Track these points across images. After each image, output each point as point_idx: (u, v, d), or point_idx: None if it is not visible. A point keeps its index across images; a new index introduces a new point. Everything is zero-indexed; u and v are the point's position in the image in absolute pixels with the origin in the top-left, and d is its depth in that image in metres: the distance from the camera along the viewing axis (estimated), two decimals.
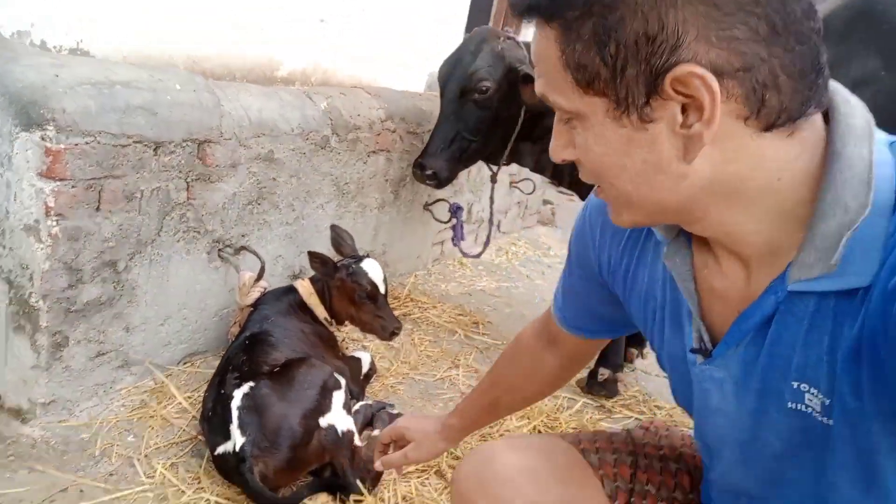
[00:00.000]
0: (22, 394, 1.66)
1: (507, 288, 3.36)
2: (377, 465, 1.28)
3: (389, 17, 2.98)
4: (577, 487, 0.97)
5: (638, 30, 0.59)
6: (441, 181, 2.48)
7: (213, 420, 1.61)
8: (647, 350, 2.71)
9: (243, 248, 2.08)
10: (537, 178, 3.34)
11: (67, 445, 1.64)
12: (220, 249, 2.04)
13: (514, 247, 3.98)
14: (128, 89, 1.64)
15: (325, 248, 2.52)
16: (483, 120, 2.39)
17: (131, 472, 1.62)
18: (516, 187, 3.80)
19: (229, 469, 1.55)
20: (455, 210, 2.98)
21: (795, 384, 0.68)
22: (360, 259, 2.09)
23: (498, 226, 3.93)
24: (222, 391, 1.64)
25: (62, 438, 1.66)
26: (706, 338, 0.77)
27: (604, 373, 2.38)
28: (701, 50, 0.58)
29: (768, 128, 0.61)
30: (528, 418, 2.10)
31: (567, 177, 2.56)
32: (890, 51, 1.68)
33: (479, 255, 3.05)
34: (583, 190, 2.47)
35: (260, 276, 2.05)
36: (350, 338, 2.44)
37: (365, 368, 2.16)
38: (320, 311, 2.07)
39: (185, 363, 2.07)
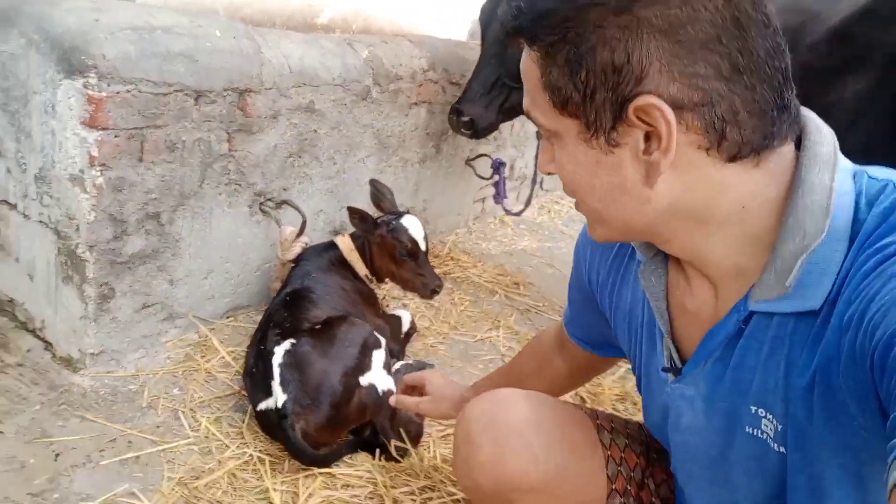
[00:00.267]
0: (72, 343, 1.68)
1: (549, 248, 3.27)
2: (392, 400, 1.39)
3: None
4: (579, 457, 0.98)
5: (606, 60, 0.62)
6: (478, 130, 2.33)
7: (255, 376, 1.61)
8: None
9: (285, 201, 2.04)
10: None
11: (116, 396, 1.66)
12: (261, 203, 2.00)
13: (556, 205, 3.87)
14: (168, 35, 1.58)
15: (366, 204, 2.46)
16: None
17: (177, 425, 1.63)
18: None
19: (271, 425, 1.55)
20: (498, 166, 2.87)
21: (754, 408, 0.71)
22: (401, 215, 2.04)
23: (541, 183, 3.81)
24: (263, 347, 1.63)
25: (111, 389, 1.67)
26: (675, 356, 0.81)
27: None
28: (663, 83, 0.62)
29: (731, 159, 0.64)
30: None
31: None
32: None
33: (520, 213, 2.96)
34: None
35: (301, 231, 2.02)
36: (390, 296, 2.41)
37: (405, 327, 2.13)
38: (360, 268, 2.03)
39: (227, 317, 2.06)
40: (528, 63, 0.70)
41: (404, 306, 2.35)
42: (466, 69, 2.71)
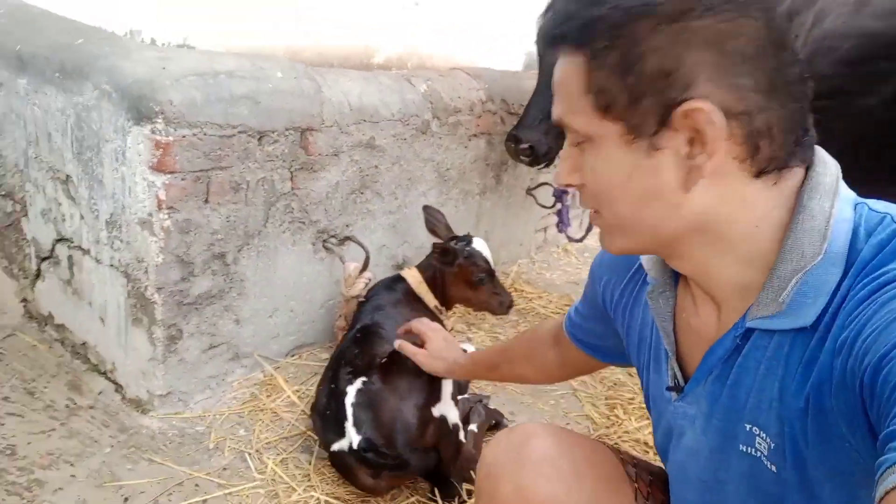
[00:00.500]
0: (141, 385, 1.69)
1: None
2: (396, 343, 1.53)
3: None
4: (610, 489, 0.97)
5: (656, 66, 0.65)
6: (538, 157, 2.25)
7: (328, 416, 1.58)
8: None
9: (348, 238, 2.03)
10: None
11: (183, 438, 1.65)
12: (324, 240, 2.00)
13: None
14: (231, 79, 1.61)
15: (429, 238, 2.44)
16: None
17: (243, 467, 1.60)
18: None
19: (344, 466, 1.51)
20: (560, 194, 2.79)
21: (748, 426, 0.73)
22: (465, 239, 2.04)
23: None
24: (335, 386, 1.60)
25: (178, 431, 1.67)
26: (679, 375, 0.83)
27: None
28: (710, 90, 0.65)
29: (759, 174, 0.68)
30: None
31: None
32: None
33: (582, 239, 2.86)
34: None
35: (365, 267, 1.99)
36: (456, 329, 2.35)
37: None
38: (430, 300, 2.00)
39: (292, 355, 2.05)
40: (568, 68, 0.71)
41: (469, 340, 2.28)
42: (524, 99, 2.67)
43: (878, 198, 0.71)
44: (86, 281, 1.75)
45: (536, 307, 2.66)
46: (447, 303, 2.05)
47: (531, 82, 2.74)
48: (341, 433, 1.50)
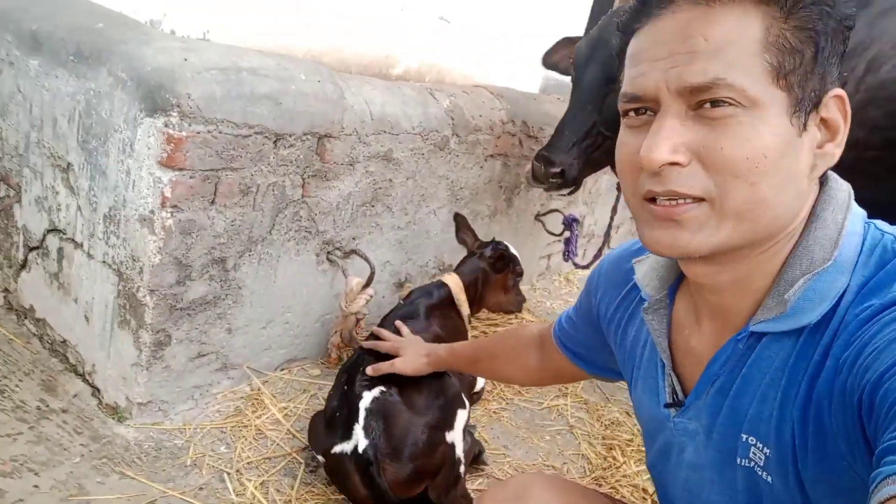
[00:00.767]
0: (121, 391, 1.58)
1: None
2: (369, 370, 1.52)
3: (509, 16, 2.77)
4: None
5: (839, 45, 0.64)
6: (567, 181, 2.09)
7: (336, 419, 1.50)
8: None
9: (353, 251, 1.93)
10: None
11: (159, 451, 1.54)
12: (328, 252, 1.90)
13: None
14: (254, 76, 1.51)
15: (433, 257, 2.35)
16: None
17: (221, 488, 1.50)
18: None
19: (341, 471, 1.43)
20: (570, 222, 2.72)
21: (745, 436, 0.71)
22: (504, 245, 2.10)
23: (608, 242, 3.64)
24: (349, 389, 1.54)
25: (155, 443, 1.56)
26: (679, 389, 0.81)
27: None
28: (838, 81, 0.66)
29: (823, 174, 0.69)
30: None
31: None
32: None
33: (588, 266, 2.79)
34: None
35: (368, 283, 1.90)
36: None
37: (478, 386, 2.00)
38: (466, 309, 1.98)
39: (282, 369, 1.95)
40: (742, 21, 0.63)
41: None
42: (544, 122, 2.61)
43: None
44: (74, 276, 1.63)
45: None
46: (478, 307, 2.08)
47: (552, 106, 2.68)
48: (348, 435, 1.44)
